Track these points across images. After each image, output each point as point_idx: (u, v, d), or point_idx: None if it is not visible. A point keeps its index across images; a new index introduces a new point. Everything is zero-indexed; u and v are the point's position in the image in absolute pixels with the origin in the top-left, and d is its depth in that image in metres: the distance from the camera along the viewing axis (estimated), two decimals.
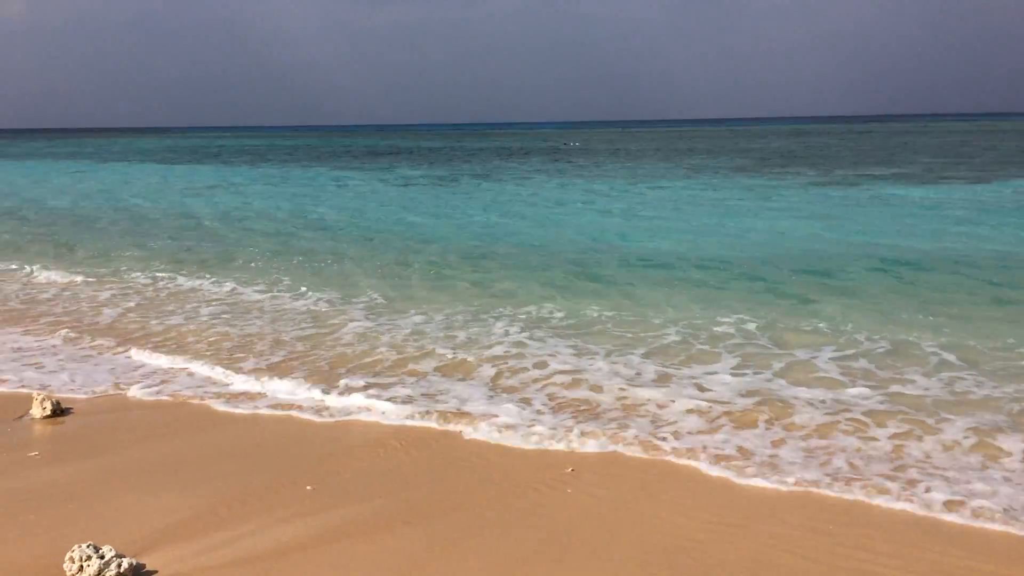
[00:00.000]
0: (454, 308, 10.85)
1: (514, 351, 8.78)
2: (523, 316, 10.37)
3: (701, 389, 7.54)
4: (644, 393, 7.42)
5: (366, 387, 7.75)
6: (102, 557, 4.32)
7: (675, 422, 6.74)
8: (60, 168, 49.74)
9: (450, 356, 8.68)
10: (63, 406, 7.24)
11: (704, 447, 6.21)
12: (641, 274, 13.12)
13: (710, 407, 7.05)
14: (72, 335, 9.82)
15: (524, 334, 9.45)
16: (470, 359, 8.53)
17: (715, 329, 9.56)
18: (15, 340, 9.65)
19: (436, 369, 8.29)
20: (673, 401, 7.20)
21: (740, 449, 6.17)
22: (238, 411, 7.22)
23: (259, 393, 7.70)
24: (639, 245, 16.23)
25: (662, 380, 7.82)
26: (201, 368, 8.47)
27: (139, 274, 13.74)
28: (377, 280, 12.88)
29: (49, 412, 7.07)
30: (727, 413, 6.91)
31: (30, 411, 7.09)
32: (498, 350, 8.81)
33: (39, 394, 7.20)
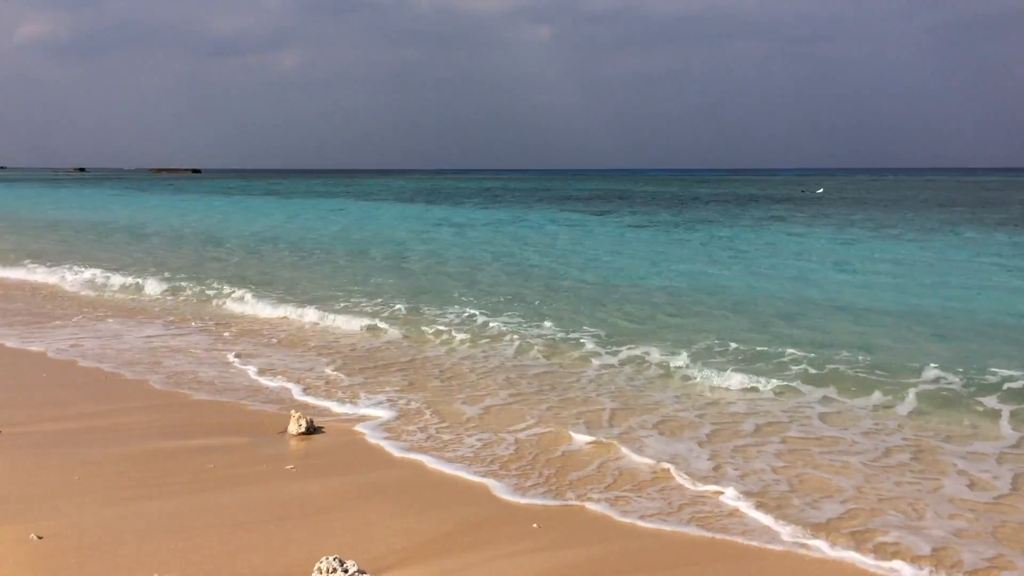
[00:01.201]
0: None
1: None
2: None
3: None
4: None
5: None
6: (346, 571, 4.55)
7: None
8: (324, 205, 54.25)
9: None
10: (316, 424, 7.80)
11: None
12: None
13: None
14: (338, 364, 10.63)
15: None
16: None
17: None
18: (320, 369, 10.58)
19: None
20: None
21: None
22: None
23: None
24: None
25: None
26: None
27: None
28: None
29: (303, 429, 7.64)
30: None
31: (288, 427, 7.70)
32: None
33: (296, 412, 7.80)
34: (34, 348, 11.18)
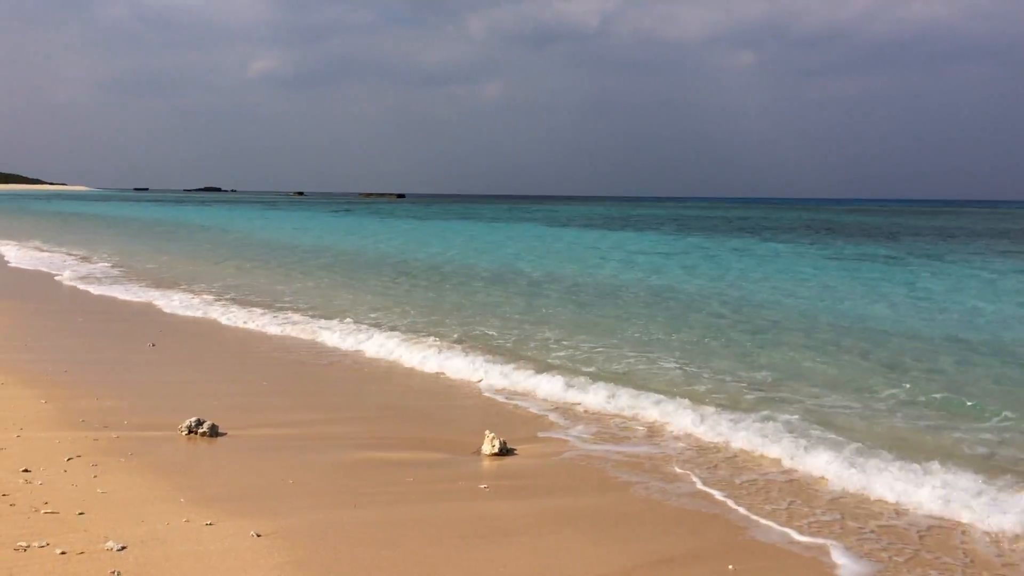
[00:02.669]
0: None
1: None
2: None
3: None
4: None
5: None
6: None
7: None
8: (537, 232, 55.43)
9: None
10: (508, 446, 7.96)
11: None
12: None
13: None
14: None
15: None
16: None
17: None
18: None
19: None
20: None
21: None
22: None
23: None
24: None
25: None
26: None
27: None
28: None
29: (496, 450, 7.82)
30: None
31: (482, 447, 7.91)
32: None
33: (490, 433, 8.00)
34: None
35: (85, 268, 24.09)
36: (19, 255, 27.81)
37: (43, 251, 30.10)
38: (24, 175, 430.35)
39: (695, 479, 7.18)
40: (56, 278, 21.47)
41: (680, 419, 8.87)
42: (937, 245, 41.89)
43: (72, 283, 20.44)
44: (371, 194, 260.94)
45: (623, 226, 61.79)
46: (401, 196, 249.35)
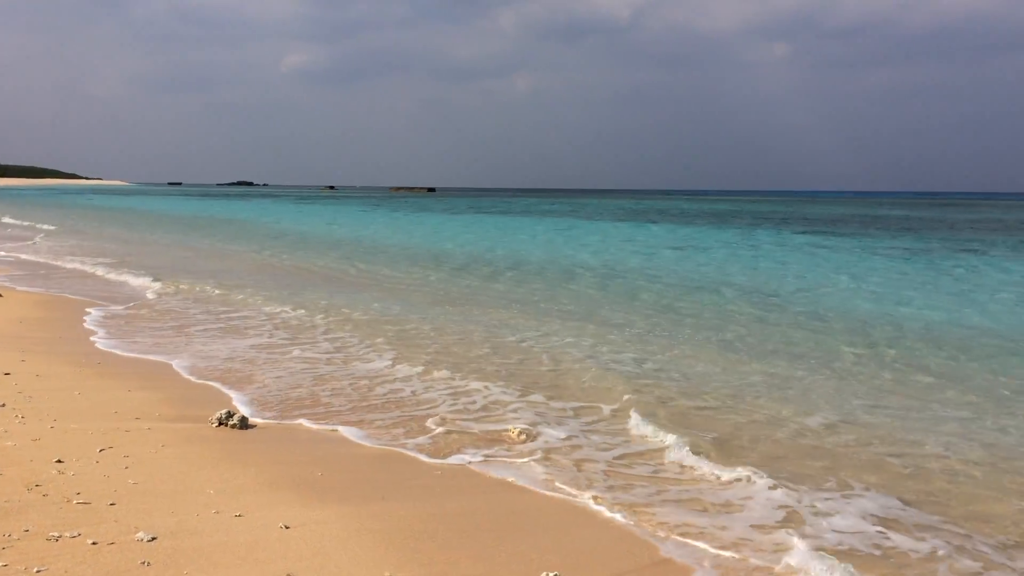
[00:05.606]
0: None
1: None
2: None
3: None
4: None
5: None
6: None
7: None
8: (551, 225, 55.39)
9: None
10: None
11: None
12: None
13: None
14: None
15: None
16: None
17: None
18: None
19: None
20: None
21: None
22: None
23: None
24: None
25: None
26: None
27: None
28: None
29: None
30: None
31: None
32: None
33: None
34: None
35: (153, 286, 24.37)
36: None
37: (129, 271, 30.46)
38: (62, 170, 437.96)
39: None
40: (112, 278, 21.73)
41: None
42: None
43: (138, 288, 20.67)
44: (401, 188, 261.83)
45: (721, 223, 61.30)
46: (432, 190, 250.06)
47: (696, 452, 7.43)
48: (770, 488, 6.59)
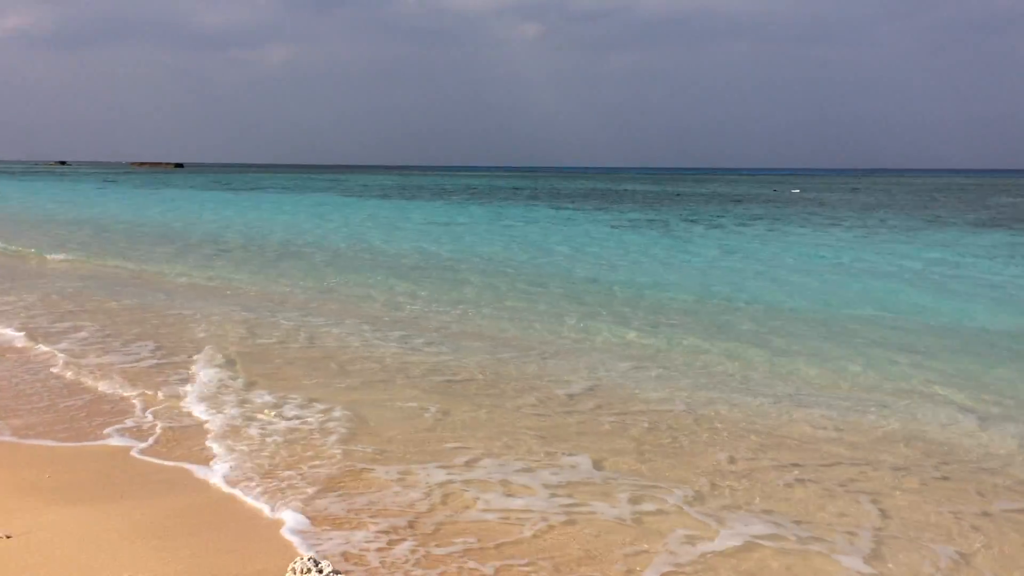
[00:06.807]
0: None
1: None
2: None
3: None
4: None
5: None
6: (320, 571, 4.49)
7: None
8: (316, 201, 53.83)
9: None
10: None
11: None
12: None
13: None
14: None
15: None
16: None
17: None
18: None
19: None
20: None
21: None
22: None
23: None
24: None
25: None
26: None
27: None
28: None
29: None
30: None
31: None
32: None
33: None
34: None
35: None
36: None
37: None
38: None
39: None
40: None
41: None
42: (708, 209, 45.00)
43: None
44: (144, 163, 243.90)
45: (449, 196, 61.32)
46: (180, 165, 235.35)
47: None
48: None
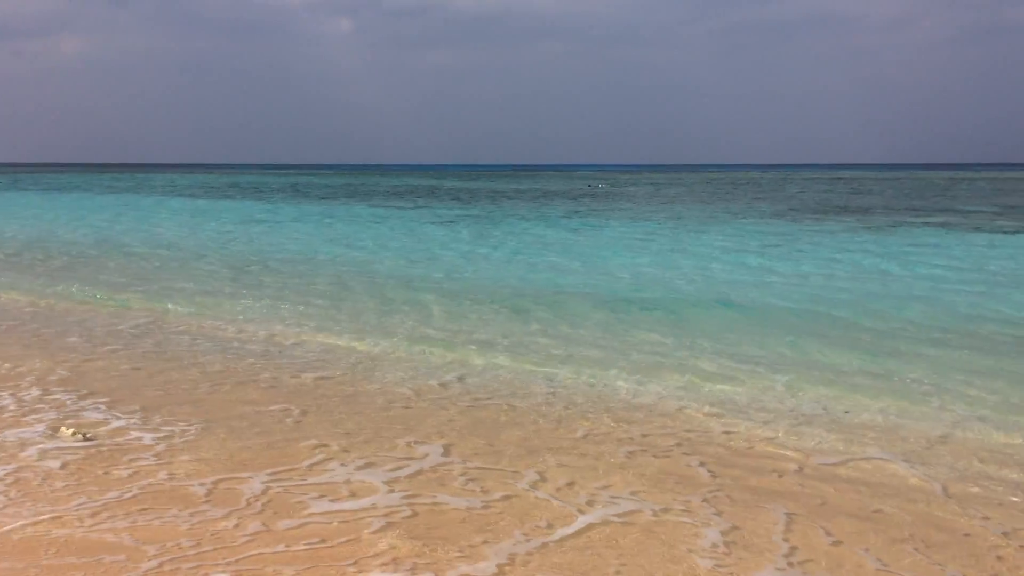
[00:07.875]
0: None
1: None
2: None
3: None
4: None
5: None
6: None
7: None
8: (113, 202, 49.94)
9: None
10: None
11: None
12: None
13: None
14: None
15: None
16: None
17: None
18: None
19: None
20: None
21: None
22: None
23: None
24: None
25: None
26: None
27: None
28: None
29: None
30: None
31: None
32: None
33: None
34: None
35: None
36: None
37: None
38: None
39: None
40: None
41: None
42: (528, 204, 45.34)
43: None
44: None
45: (243, 196, 58.73)
46: None
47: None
48: None
